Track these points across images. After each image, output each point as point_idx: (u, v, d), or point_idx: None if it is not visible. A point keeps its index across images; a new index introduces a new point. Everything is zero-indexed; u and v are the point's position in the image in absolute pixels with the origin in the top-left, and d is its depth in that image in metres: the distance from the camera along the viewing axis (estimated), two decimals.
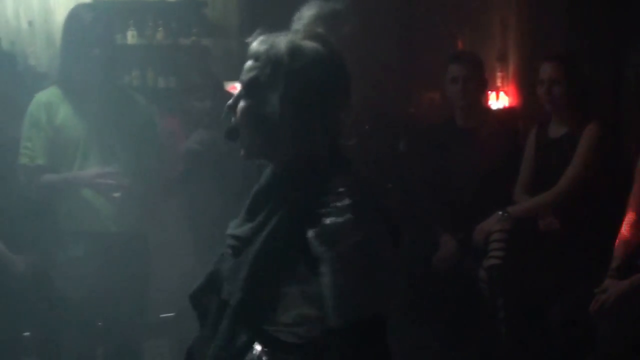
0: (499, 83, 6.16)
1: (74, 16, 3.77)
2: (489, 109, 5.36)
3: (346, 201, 1.85)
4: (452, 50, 5.66)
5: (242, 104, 1.95)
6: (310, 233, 1.85)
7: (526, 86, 5.72)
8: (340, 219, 1.83)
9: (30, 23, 5.39)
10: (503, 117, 5.39)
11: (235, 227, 2.03)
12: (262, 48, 1.93)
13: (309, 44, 1.92)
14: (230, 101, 1.99)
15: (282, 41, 1.92)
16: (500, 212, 4.11)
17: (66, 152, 3.74)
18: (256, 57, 1.94)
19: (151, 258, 4.00)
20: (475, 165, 4.35)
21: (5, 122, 3.93)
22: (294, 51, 1.90)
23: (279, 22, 2.05)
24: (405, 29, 6.05)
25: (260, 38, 1.95)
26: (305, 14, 1.95)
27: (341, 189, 1.87)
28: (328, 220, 1.84)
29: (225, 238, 2.03)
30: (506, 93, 6.17)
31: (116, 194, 3.70)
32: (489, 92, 5.90)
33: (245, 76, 1.95)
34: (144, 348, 4.16)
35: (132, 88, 5.03)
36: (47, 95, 3.78)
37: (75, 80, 3.74)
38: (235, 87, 5.28)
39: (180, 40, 5.59)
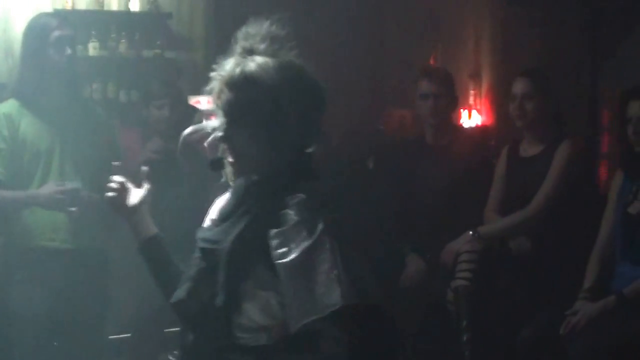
0: (471, 101, 6.13)
1: (34, 25, 3.75)
2: (459, 127, 5.37)
3: (299, 208, 1.95)
4: (424, 65, 5.57)
5: (244, 133, 2.02)
6: (269, 237, 1.95)
7: (499, 104, 5.71)
8: (291, 225, 1.93)
9: None
10: (475, 135, 5.37)
11: (205, 232, 2.13)
12: (237, 75, 2.01)
13: (277, 62, 2.03)
14: (221, 134, 2.05)
15: (252, 65, 2.01)
16: (471, 232, 4.04)
17: (28, 166, 3.67)
18: (232, 85, 2.01)
19: (110, 275, 3.92)
20: (445, 183, 4.29)
21: None
22: (269, 71, 2.00)
23: None
24: (376, 44, 5.99)
25: (228, 65, 2.03)
26: (252, 32, 2.06)
27: (298, 196, 1.97)
28: (281, 227, 1.94)
29: (196, 242, 2.12)
30: (479, 111, 6.14)
31: (73, 209, 3.61)
32: (461, 109, 5.85)
33: (233, 107, 2.02)
34: None
35: (93, 101, 4.97)
36: (7, 107, 3.73)
37: (34, 92, 3.69)
38: (199, 102, 5.16)
39: (144, 53, 5.49)
